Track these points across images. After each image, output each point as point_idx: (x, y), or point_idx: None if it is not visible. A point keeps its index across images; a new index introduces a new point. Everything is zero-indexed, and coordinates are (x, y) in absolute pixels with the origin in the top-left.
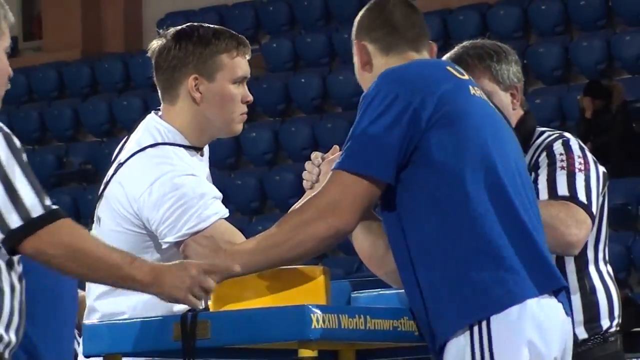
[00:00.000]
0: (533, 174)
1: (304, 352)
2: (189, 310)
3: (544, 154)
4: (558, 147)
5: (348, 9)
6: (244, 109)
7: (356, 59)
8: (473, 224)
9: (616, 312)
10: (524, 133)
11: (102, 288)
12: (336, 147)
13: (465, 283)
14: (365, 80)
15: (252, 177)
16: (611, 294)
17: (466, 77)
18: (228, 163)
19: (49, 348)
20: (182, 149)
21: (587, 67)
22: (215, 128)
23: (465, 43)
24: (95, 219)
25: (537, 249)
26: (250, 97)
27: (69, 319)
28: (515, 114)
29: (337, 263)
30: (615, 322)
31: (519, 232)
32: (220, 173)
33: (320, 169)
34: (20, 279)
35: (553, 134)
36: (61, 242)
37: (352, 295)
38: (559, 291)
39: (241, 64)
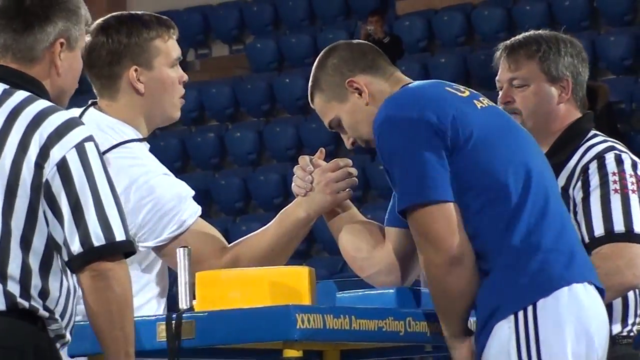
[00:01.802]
0: (579, 182)
1: (289, 352)
2: (173, 311)
3: (595, 163)
4: (610, 161)
5: (332, 9)
6: (182, 91)
7: (346, 105)
8: (507, 224)
9: (630, 320)
10: (575, 132)
11: None
12: (322, 149)
13: (514, 270)
14: (371, 114)
15: (236, 177)
16: (627, 300)
17: (467, 93)
18: (212, 163)
19: None
20: (140, 143)
21: None
22: (158, 116)
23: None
24: None
25: (570, 245)
26: (186, 76)
27: None
28: (563, 109)
29: (321, 263)
30: (627, 329)
31: (539, 231)
32: (204, 173)
33: (313, 177)
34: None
35: (605, 142)
36: (127, 280)
37: (337, 295)
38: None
39: (174, 46)
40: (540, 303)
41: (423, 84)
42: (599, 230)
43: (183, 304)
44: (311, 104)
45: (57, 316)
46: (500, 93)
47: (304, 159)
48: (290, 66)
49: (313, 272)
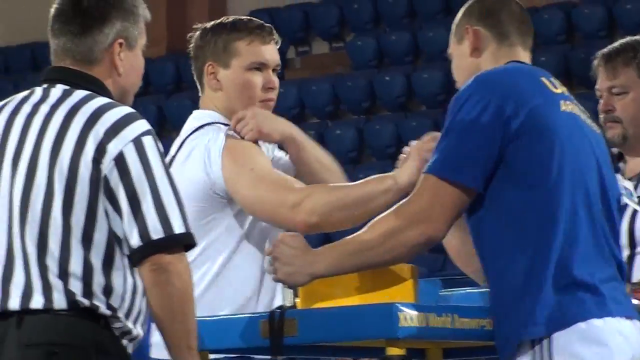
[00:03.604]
0: None
1: (392, 350)
2: (277, 308)
3: None
4: None
5: (433, 6)
6: (267, 95)
7: (460, 46)
8: (547, 241)
9: None
10: None
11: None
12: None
13: (534, 300)
14: (470, 66)
15: None
16: None
17: (559, 90)
18: None
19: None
20: (216, 126)
21: None
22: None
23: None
24: None
25: (611, 273)
26: (273, 83)
27: None
28: None
29: (422, 261)
30: None
31: (592, 254)
32: None
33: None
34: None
35: None
36: (187, 274)
37: (440, 293)
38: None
39: (259, 51)
40: (555, 336)
41: (522, 67)
42: None
43: (286, 301)
44: None
45: (120, 314)
46: (601, 102)
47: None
48: (390, 63)
49: (416, 270)
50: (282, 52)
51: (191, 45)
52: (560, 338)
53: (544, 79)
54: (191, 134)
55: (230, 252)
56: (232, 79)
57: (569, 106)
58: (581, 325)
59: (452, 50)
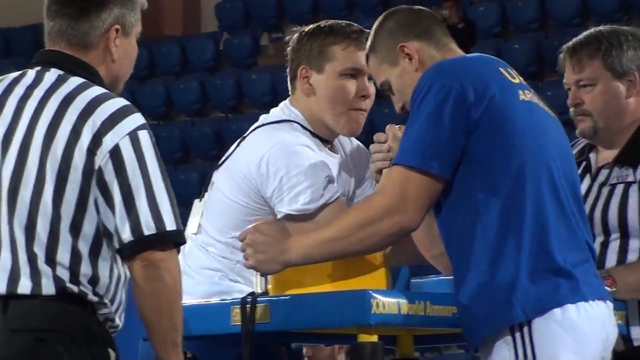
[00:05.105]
0: None
1: (364, 337)
2: (248, 295)
3: None
4: None
5: None
6: (360, 104)
7: (395, 69)
8: (516, 227)
9: None
10: None
11: None
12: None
13: (506, 285)
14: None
15: None
16: None
17: (516, 80)
18: None
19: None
20: (306, 132)
21: None
22: (328, 123)
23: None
24: (210, 184)
25: (583, 256)
26: (367, 91)
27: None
28: (633, 103)
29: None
30: None
31: (563, 238)
32: None
33: (390, 146)
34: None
35: None
36: (177, 270)
37: (412, 280)
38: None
39: (354, 56)
40: (535, 322)
41: (480, 57)
42: None
43: (258, 287)
44: (366, 64)
45: (106, 301)
46: (569, 95)
47: (378, 134)
48: None
49: (389, 256)
50: (255, 38)
51: (288, 48)
52: (539, 324)
53: (501, 69)
54: (269, 123)
55: None
56: (325, 84)
57: (528, 95)
58: (557, 311)
59: (385, 77)
